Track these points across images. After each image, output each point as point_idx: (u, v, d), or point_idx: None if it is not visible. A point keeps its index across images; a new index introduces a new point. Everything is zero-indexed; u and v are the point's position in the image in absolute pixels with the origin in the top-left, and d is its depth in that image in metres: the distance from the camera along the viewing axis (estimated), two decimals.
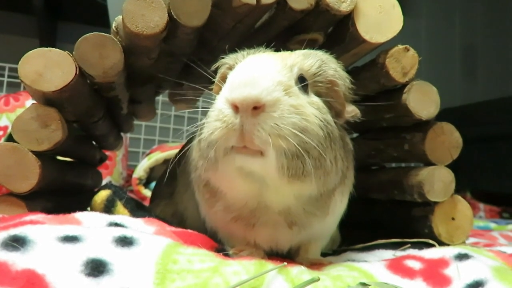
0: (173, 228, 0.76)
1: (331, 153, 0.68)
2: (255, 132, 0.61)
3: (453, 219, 0.96)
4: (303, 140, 0.63)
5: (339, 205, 0.80)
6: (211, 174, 0.70)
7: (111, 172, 2.39)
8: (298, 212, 0.72)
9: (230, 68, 0.74)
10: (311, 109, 0.67)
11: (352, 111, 0.76)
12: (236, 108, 0.61)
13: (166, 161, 2.40)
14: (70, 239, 0.56)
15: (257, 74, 0.63)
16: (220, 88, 0.70)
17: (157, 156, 2.45)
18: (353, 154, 0.82)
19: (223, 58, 0.78)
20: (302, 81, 0.70)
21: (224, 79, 0.73)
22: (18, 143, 0.79)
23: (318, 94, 0.73)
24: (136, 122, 1.55)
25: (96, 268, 0.52)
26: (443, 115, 0.94)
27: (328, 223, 0.80)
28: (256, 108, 0.61)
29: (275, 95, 0.62)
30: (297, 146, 0.62)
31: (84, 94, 0.88)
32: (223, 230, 0.80)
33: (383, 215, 1.15)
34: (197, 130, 0.72)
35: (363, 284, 0.57)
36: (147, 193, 2.32)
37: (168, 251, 0.58)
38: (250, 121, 0.61)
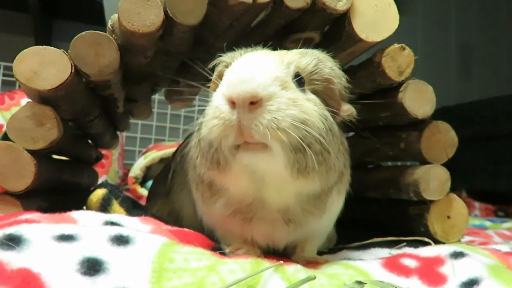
0: (169, 227, 0.76)
1: (334, 146, 0.68)
2: (253, 127, 0.60)
3: (448, 217, 0.96)
4: (304, 133, 0.62)
5: (336, 204, 0.80)
6: (216, 173, 0.69)
7: (107, 171, 2.39)
8: (296, 210, 0.72)
9: (227, 66, 0.74)
10: (309, 103, 0.67)
11: (347, 110, 0.76)
12: (232, 103, 0.61)
13: (162, 160, 2.40)
14: (66, 238, 0.56)
15: (254, 70, 0.63)
16: (217, 86, 0.70)
17: (154, 155, 2.45)
18: (348, 152, 0.82)
19: (220, 56, 0.78)
20: (298, 78, 0.70)
21: (221, 77, 0.73)
22: (13, 141, 0.78)
23: (314, 92, 0.73)
24: (132, 120, 1.55)
25: (92, 267, 0.51)
26: (438, 114, 0.95)
27: (324, 221, 0.80)
28: (253, 103, 0.60)
29: (272, 89, 0.62)
30: (299, 138, 0.61)
31: (79, 93, 0.88)
32: (220, 227, 0.80)
33: (379, 214, 1.15)
34: (195, 128, 0.71)
35: (359, 282, 0.57)
36: (143, 192, 2.32)
37: (164, 249, 0.58)
38: (247, 116, 0.61)
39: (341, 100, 0.75)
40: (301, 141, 0.62)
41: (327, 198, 0.75)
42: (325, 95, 0.74)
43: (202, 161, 0.70)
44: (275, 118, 0.61)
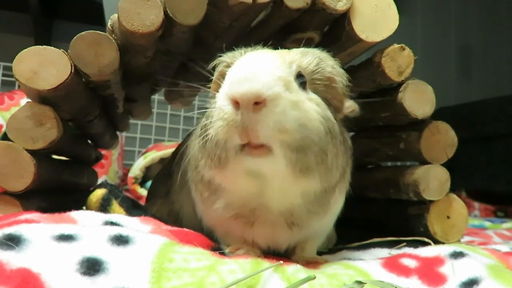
0: (169, 227, 0.76)
1: (332, 148, 0.68)
2: (258, 128, 0.60)
3: (448, 217, 0.96)
4: (305, 135, 0.63)
5: (337, 203, 0.81)
6: (216, 172, 0.69)
7: (107, 171, 2.39)
8: (301, 212, 0.72)
9: (228, 66, 0.74)
10: (310, 104, 0.67)
11: (350, 106, 0.76)
12: (236, 104, 0.61)
13: (162, 160, 2.40)
14: (66, 238, 0.56)
15: (257, 69, 0.62)
16: (219, 86, 0.70)
17: (153, 155, 2.45)
18: (351, 151, 0.82)
19: (220, 56, 0.78)
20: (300, 78, 0.70)
21: (222, 77, 0.72)
22: (12, 141, 0.78)
23: (316, 92, 0.72)
24: (132, 121, 1.55)
25: (92, 267, 0.51)
26: (438, 114, 0.95)
27: (326, 221, 0.80)
28: (257, 103, 0.60)
29: (276, 89, 0.62)
30: (300, 140, 0.62)
31: (79, 93, 0.88)
32: (220, 228, 0.79)
33: (379, 214, 1.15)
34: (194, 128, 0.71)
35: (359, 282, 0.57)
36: (143, 192, 2.32)
37: (164, 249, 0.58)
38: (251, 117, 0.60)
39: (343, 98, 0.75)
40: (301, 143, 0.62)
41: (331, 197, 0.75)
42: (327, 93, 0.74)
43: (207, 162, 0.70)
44: (279, 120, 0.61)
